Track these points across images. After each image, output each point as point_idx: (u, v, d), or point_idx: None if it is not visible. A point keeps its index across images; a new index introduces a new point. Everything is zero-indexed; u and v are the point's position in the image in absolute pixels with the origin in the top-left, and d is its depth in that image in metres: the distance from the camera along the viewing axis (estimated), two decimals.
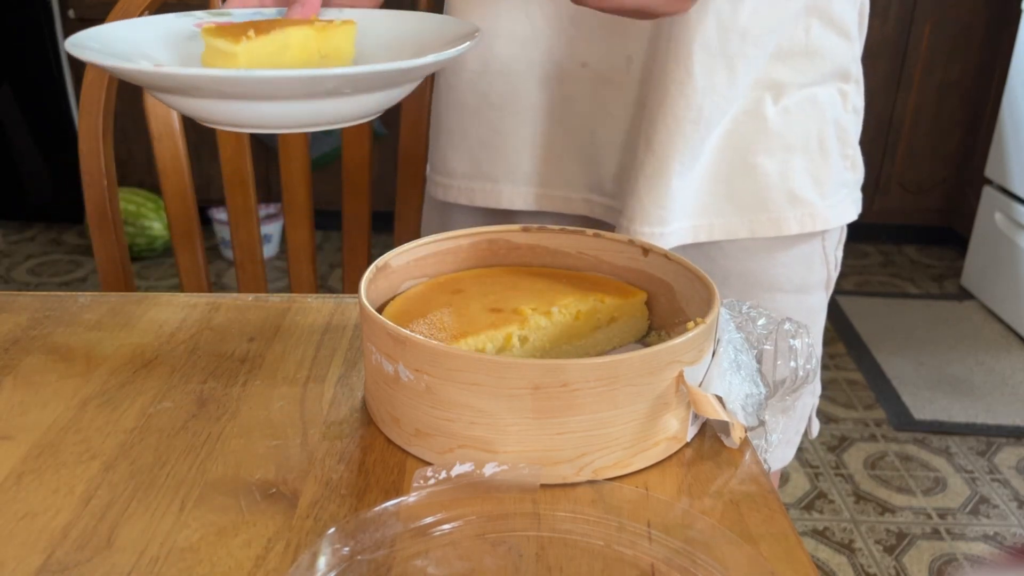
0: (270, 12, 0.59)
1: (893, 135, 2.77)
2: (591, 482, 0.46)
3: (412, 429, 0.48)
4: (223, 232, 2.73)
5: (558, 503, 0.45)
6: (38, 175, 2.90)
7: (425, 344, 0.44)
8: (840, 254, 0.80)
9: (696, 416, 0.49)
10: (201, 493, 0.45)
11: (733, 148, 0.70)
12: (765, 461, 0.50)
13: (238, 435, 0.50)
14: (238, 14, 0.62)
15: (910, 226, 2.94)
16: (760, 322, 0.53)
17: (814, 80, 0.70)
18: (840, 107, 0.73)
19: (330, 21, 0.54)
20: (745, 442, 0.50)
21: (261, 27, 0.51)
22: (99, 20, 0.90)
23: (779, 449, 0.82)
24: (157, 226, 2.66)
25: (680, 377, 0.46)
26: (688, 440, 0.49)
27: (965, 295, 2.62)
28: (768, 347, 0.53)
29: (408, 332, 0.45)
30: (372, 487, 0.46)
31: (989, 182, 2.54)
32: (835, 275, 0.81)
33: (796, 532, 0.43)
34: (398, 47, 0.58)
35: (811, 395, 0.84)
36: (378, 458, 0.48)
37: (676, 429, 0.48)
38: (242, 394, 0.55)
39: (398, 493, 0.45)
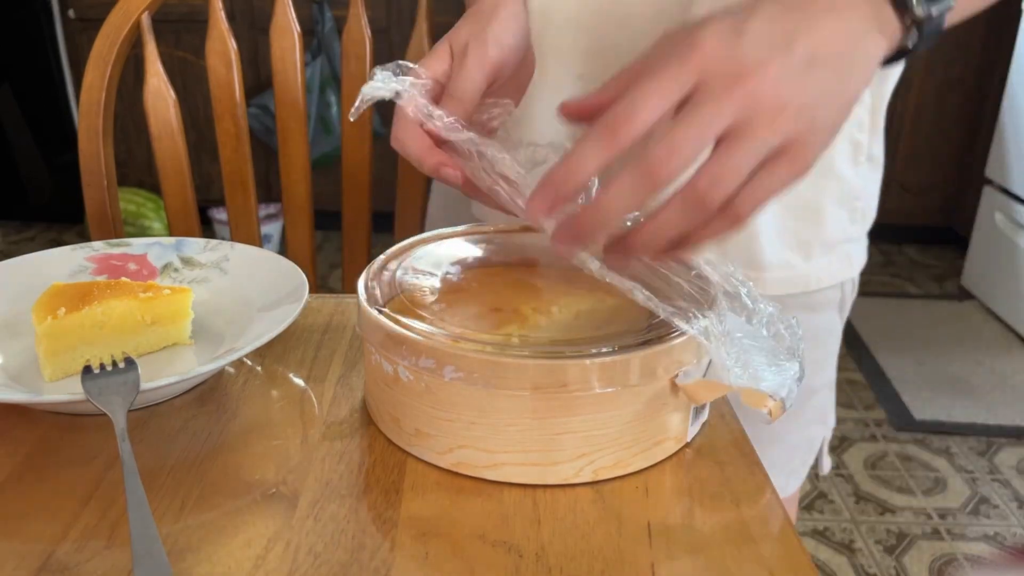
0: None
1: (893, 135, 2.77)
2: (591, 482, 0.46)
3: (412, 429, 0.47)
4: (223, 232, 2.73)
5: (558, 503, 0.45)
6: (38, 175, 2.90)
7: (425, 344, 0.44)
8: (856, 277, 0.75)
9: (696, 416, 0.49)
10: (201, 493, 0.45)
11: None
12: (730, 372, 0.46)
13: (238, 435, 0.50)
14: (137, 244, 0.67)
15: (910, 226, 2.94)
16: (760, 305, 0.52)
17: None
18: (849, 160, 0.67)
19: (161, 290, 0.58)
20: (746, 442, 0.50)
21: (92, 294, 0.56)
22: (99, 20, 0.90)
23: (779, 478, 0.76)
24: (157, 226, 2.65)
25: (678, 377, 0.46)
26: (689, 440, 0.49)
27: (965, 295, 2.62)
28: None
29: (407, 332, 0.45)
30: (372, 487, 0.46)
31: (989, 182, 2.54)
32: (851, 296, 0.75)
33: (796, 532, 0.43)
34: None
35: (821, 425, 0.78)
36: (378, 458, 0.48)
37: (676, 429, 0.48)
38: (242, 394, 0.55)
39: (398, 494, 0.45)
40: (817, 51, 0.39)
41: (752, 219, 0.41)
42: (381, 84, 0.51)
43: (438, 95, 0.53)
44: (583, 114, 0.44)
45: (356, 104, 0.52)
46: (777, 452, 0.74)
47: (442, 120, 0.50)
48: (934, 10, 0.42)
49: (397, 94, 0.51)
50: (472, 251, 0.60)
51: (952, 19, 0.46)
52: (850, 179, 0.68)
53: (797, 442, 0.76)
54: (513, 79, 0.57)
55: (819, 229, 0.68)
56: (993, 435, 1.94)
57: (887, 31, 0.42)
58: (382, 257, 0.56)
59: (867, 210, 0.71)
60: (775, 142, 0.39)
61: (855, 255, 0.72)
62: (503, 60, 0.53)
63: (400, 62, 0.53)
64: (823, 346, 0.75)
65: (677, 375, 0.46)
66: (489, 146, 0.50)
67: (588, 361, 0.43)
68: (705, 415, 0.51)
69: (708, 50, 0.38)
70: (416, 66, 0.53)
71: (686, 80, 0.39)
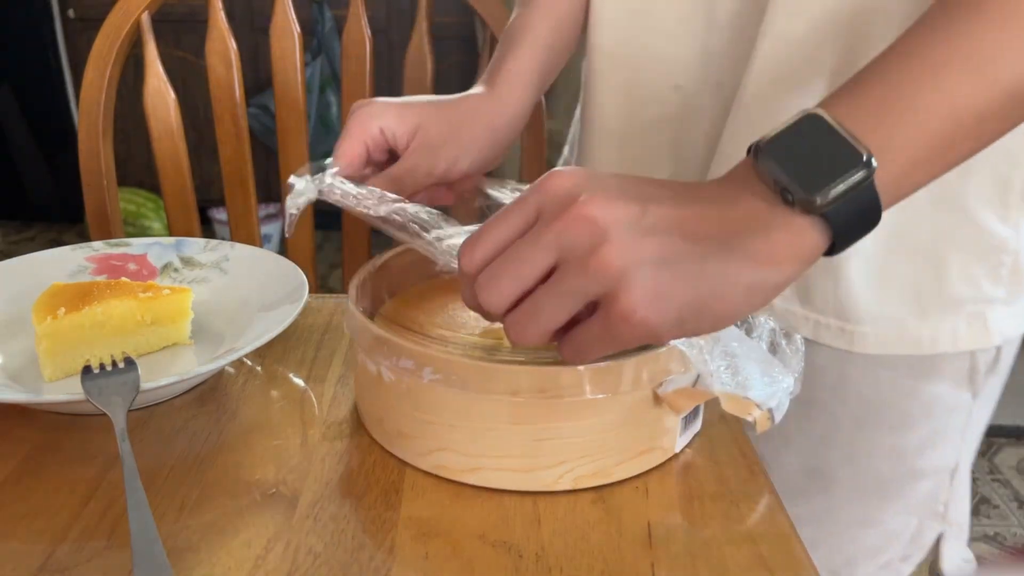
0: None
1: None
2: (571, 491, 0.46)
3: (395, 430, 0.47)
4: (223, 232, 2.73)
5: (558, 503, 0.45)
6: (38, 175, 2.90)
7: (404, 345, 0.44)
8: (1003, 347, 0.60)
9: (686, 427, 0.48)
10: (201, 493, 0.45)
11: None
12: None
13: (238, 435, 0.50)
14: (137, 244, 0.68)
15: None
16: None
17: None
18: (990, 203, 0.54)
19: (160, 290, 0.58)
20: (746, 443, 0.50)
21: (92, 294, 0.55)
22: (99, 20, 0.90)
23: (867, 567, 0.66)
24: (157, 226, 2.65)
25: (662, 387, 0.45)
26: (677, 451, 0.49)
27: None
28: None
29: (387, 333, 0.45)
30: (372, 487, 0.46)
31: None
32: (993, 371, 0.60)
33: (796, 532, 0.43)
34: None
35: (934, 518, 0.65)
36: (378, 458, 0.48)
37: (663, 440, 0.47)
38: (242, 394, 0.55)
39: (398, 494, 0.45)
40: (681, 226, 0.35)
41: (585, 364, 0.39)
42: (302, 192, 0.52)
43: (383, 147, 0.55)
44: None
45: (287, 220, 0.53)
46: (868, 536, 0.66)
47: (366, 198, 0.50)
48: (833, 193, 0.35)
49: (320, 192, 0.52)
50: None
51: (905, 182, 0.37)
52: (992, 227, 0.55)
53: (895, 530, 0.65)
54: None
55: (940, 282, 0.56)
56: (993, 435, 1.93)
57: (786, 228, 0.36)
58: (381, 257, 0.56)
59: (1020, 265, 0.57)
60: (586, 284, 0.35)
61: (996, 321, 0.58)
62: (449, 177, 0.55)
63: (319, 162, 0.54)
64: (937, 421, 0.62)
65: (662, 384, 0.45)
66: (413, 216, 0.49)
67: (569, 368, 0.42)
68: (697, 427, 0.50)
69: (553, 184, 0.37)
70: (330, 161, 0.54)
71: (527, 211, 0.37)
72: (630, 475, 0.47)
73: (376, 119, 0.54)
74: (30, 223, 3.02)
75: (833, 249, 0.37)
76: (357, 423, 0.52)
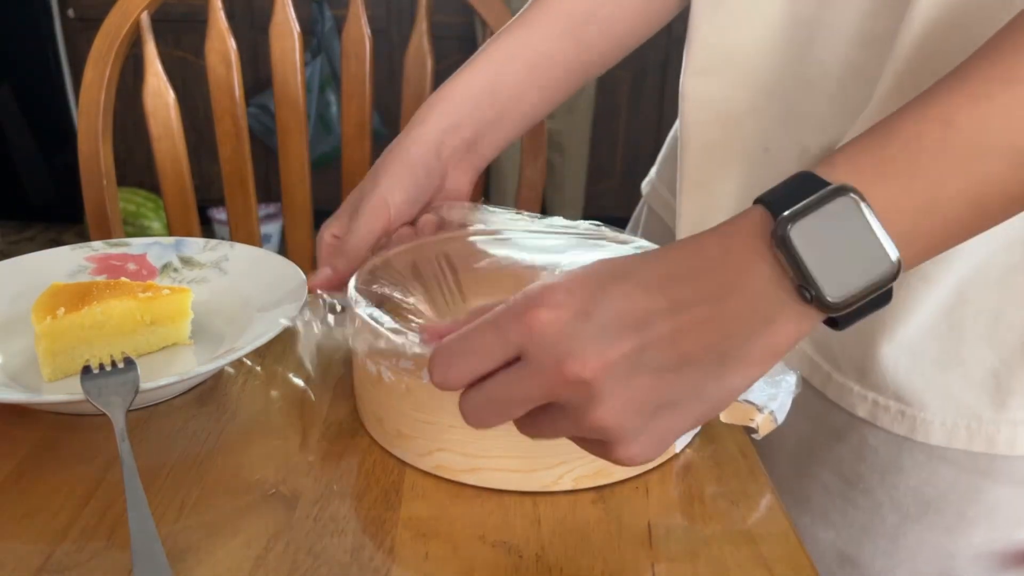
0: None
1: None
2: (571, 491, 0.46)
3: (395, 430, 0.47)
4: (223, 232, 2.73)
5: (558, 504, 0.45)
6: (38, 175, 2.90)
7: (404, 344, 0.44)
8: None
9: None
10: (201, 493, 0.45)
11: None
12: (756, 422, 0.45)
13: (238, 435, 0.50)
14: (137, 244, 0.67)
15: None
16: None
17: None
18: None
19: (160, 290, 0.58)
20: (745, 444, 0.50)
21: (92, 294, 0.55)
22: (99, 20, 0.90)
23: None
24: (157, 226, 2.65)
25: None
26: (677, 451, 0.49)
27: None
28: None
29: (388, 332, 0.45)
30: (372, 487, 0.46)
31: None
32: None
33: (796, 532, 0.43)
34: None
35: None
36: (378, 458, 0.48)
37: None
38: (242, 394, 0.55)
39: (398, 494, 0.45)
40: (678, 344, 0.34)
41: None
42: (309, 331, 0.50)
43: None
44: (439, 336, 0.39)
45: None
46: None
47: (348, 332, 0.48)
48: (854, 295, 0.33)
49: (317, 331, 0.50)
50: (472, 252, 0.60)
51: (916, 262, 0.35)
52: None
53: None
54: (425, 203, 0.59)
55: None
56: None
57: (792, 319, 0.34)
58: (377, 257, 0.55)
59: None
60: (582, 433, 0.35)
61: None
62: (395, 224, 0.56)
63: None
64: (997, 530, 0.55)
65: None
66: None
67: None
68: (697, 427, 0.50)
69: (537, 325, 0.33)
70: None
71: (507, 346, 0.34)
72: (630, 475, 0.47)
73: (325, 231, 0.57)
74: (29, 223, 3.02)
75: (835, 327, 0.36)
76: (357, 423, 0.52)
